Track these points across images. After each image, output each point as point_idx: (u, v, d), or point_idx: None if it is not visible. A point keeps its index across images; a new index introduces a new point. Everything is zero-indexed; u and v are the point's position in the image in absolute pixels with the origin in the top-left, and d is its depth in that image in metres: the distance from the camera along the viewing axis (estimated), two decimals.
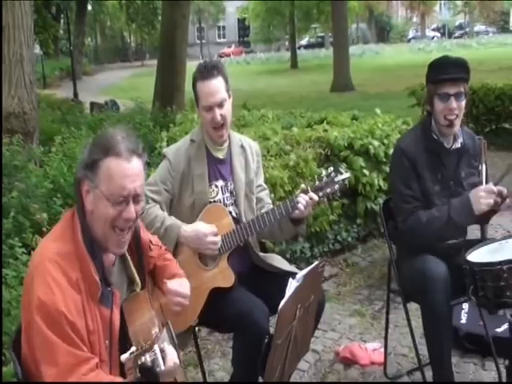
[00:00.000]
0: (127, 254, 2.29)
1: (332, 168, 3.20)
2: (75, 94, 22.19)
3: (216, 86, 3.11)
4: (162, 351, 1.89)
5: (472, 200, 3.11)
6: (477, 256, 2.85)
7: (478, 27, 57.78)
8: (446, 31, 61.56)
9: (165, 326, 2.35)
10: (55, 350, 1.91)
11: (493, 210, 3.18)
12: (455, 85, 3.17)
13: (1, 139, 6.09)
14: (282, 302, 2.18)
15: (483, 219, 3.30)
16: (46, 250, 2.03)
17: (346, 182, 3.20)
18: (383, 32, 62.33)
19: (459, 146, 3.34)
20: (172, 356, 1.97)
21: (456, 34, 59.56)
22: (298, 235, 5.01)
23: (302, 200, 3.02)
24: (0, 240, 3.88)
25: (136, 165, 2.11)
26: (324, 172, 3.18)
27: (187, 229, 3.05)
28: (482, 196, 3.09)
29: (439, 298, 3.00)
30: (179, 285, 2.47)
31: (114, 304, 2.13)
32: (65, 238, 2.07)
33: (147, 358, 1.83)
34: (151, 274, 2.52)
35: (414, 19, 55.48)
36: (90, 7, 41.78)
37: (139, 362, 1.82)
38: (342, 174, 3.17)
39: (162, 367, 1.85)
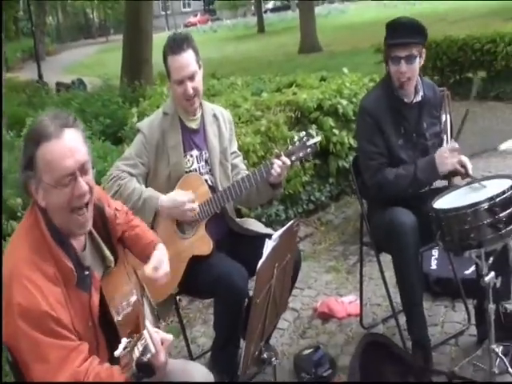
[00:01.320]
0: (95, 233, 2.28)
1: (304, 132, 3.30)
2: (40, 76, 21.80)
3: (186, 59, 3.16)
4: (151, 335, 1.90)
5: (437, 160, 3.25)
6: (442, 203, 2.97)
7: None
8: None
9: (143, 295, 2.43)
10: (44, 348, 1.92)
11: (454, 173, 3.33)
12: (406, 48, 3.25)
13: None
14: (260, 262, 2.26)
15: (445, 177, 3.44)
16: (18, 253, 2.02)
17: (317, 145, 3.29)
18: None
19: (420, 99, 3.44)
20: (162, 336, 1.99)
21: None
22: (273, 199, 5.08)
23: (276, 165, 3.11)
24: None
25: (69, 137, 2.04)
26: (296, 137, 3.27)
27: (165, 198, 3.11)
28: (446, 156, 3.22)
29: (408, 243, 3.14)
30: (153, 268, 2.49)
31: (93, 286, 2.15)
32: (32, 235, 2.05)
33: (139, 348, 1.82)
34: (121, 242, 2.52)
35: None
36: None
37: (134, 357, 1.81)
38: (313, 137, 3.26)
39: (153, 350, 1.84)
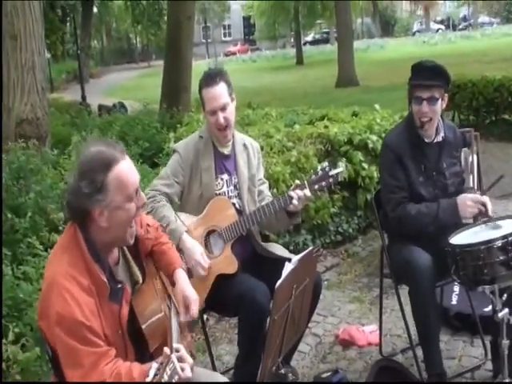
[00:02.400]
0: (126, 250, 2.49)
1: (327, 163, 3.48)
2: (83, 97, 22.38)
3: (219, 91, 3.40)
4: (179, 359, 2.05)
5: (459, 205, 3.40)
6: (459, 239, 3.11)
7: (482, 18, 57.65)
8: (450, 23, 61.56)
9: (170, 308, 2.62)
10: (78, 354, 2.13)
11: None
12: (428, 90, 3.43)
13: (0, 145, 6.36)
14: (279, 282, 2.44)
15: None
16: (58, 266, 2.22)
17: (340, 176, 3.45)
18: (388, 26, 62.31)
19: (440, 139, 3.60)
20: (187, 360, 2.13)
21: (460, 26, 59.48)
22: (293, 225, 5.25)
23: (295, 195, 3.30)
24: (0, 241, 4.12)
25: (129, 159, 2.31)
26: (319, 167, 3.46)
27: (187, 239, 3.30)
28: (469, 204, 3.37)
29: (424, 283, 3.29)
30: (185, 308, 2.63)
31: (124, 300, 2.34)
32: (71, 250, 2.25)
33: (168, 372, 1.93)
34: (150, 256, 2.70)
35: (418, 12, 55.41)
36: (95, 9, 42.04)
37: (163, 380, 1.92)
38: (335, 168, 3.43)
39: (180, 373, 1.98)
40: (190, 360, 2.15)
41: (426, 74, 3.44)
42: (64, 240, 2.33)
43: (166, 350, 2.04)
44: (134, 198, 2.29)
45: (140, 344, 2.41)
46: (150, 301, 2.52)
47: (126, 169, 2.27)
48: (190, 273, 3.14)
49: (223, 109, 3.40)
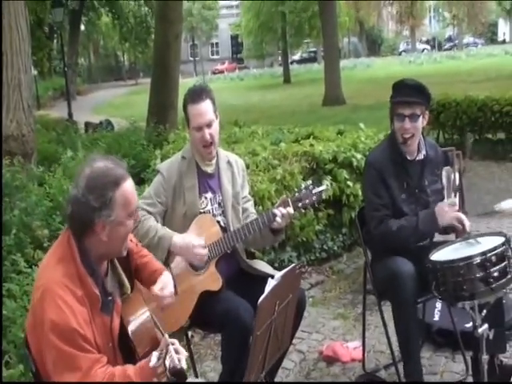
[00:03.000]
0: (116, 261, 2.54)
1: (310, 181, 3.53)
2: (70, 114, 22.42)
3: (205, 108, 3.43)
4: (176, 351, 2.16)
5: (437, 213, 3.47)
6: (440, 256, 3.16)
7: (467, 39, 58.36)
8: (435, 44, 62.29)
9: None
10: (75, 359, 2.17)
11: (453, 229, 3.54)
12: (410, 107, 3.50)
13: (1, 161, 6.37)
14: (261, 298, 2.46)
15: (446, 232, 3.67)
16: (53, 275, 2.25)
17: (324, 193, 3.50)
18: (374, 45, 62.91)
19: (422, 157, 3.67)
20: (182, 353, 2.22)
21: (446, 46, 60.19)
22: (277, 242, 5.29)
23: (279, 213, 3.34)
24: (0, 256, 4.13)
25: (130, 177, 2.40)
26: (303, 184, 3.50)
27: (178, 239, 3.34)
28: (446, 210, 3.45)
29: (407, 292, 3.33)
30: (160, 289, 2.69)
31: (115, 311, 2.39)
32: (65, 261, 2.29)
33: (170, 358, 2.10)
34: (134, 272, 2.74)
35: (405, 32, 55.98)
36: (83, 27, 42.14)
37: (167, 366, 2.09)
38: (319, 186, 3.48)
39: (177, 364, 2.11)
40: (184, 352, 2.22)
41: (408, 92, 3.51)
42: (58, 250, 2.37)
43: (165, 338, 2.18)
44: (133, 215, 2.38)
45: (127, 355, 2.45)
46: (138, 309, 2.56)
47: (131, 187, 2.37)
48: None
49: (209, 125, 3.43)
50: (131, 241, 2.73)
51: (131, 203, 2.35)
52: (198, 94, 3.46)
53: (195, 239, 3.34)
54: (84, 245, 2.33)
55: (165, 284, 2.72)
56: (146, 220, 3.38)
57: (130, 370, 2.22)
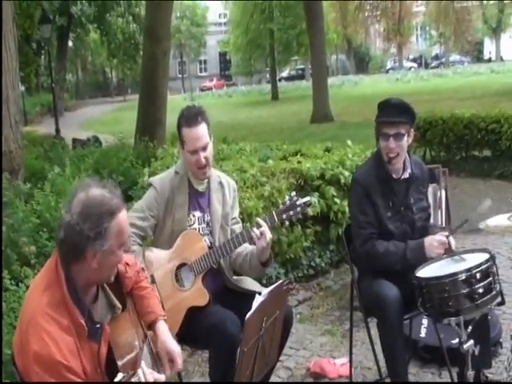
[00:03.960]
0: (105, 285, 2.52)
1: (294, 193, 3.56)
2: (57, 131, 22.32)
3: (201, 132, 3.45)
4: (144, 374, 2.17)
5: (426, 246, 3.49)
6: (425, 272, 3.20)
7: (454, 57, 58.90)
8: (422, 61, 62.81)
9: (145, 342, 2.65)
10: None
11: None
12: (395, 127, 3.54)
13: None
14: (249, 314, 2.49)
15: None
16: (37, 304, 2.24)
17: (308, 203, 3.51)
18: (362, 63, 63.30)
19: (407, 175, 3.70)
20: (155, 376, 2.25)
21: (432, 64, 60.67)
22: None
23: (256, 231, 3.34)
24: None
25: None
26: (287, 197, 3.52)
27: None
28: (435, 246, 3.47)
29: (391, 316, 3.35)
30: (165, 350, 2.70)
31: (103, 338, 2.37)
32: (52, 289, 2.28)
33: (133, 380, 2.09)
34: (130, 295, 2.73)
35: (392, 50, 56.43)
36: (70, 43, 42.18)
37: None
38: (303, 198, 3.51)
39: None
40: (161, 377, 2.25)
41: (392, 111, 3.55)
42: (45, 275, 2.36)
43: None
44: (124, 246, 2.39)
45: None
46: (125, 330, 2.55)
47: (125, 217, 2.37)
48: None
49: (204, 148, 3.45)
50: (128, 264, 2.72)
51: (124, 233, 2.36)
52: (193, 117, 3.46)
53: None
54: (71, 272, 2.31)
55: (170, 353, 2.70)
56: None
57: None
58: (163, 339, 2.71)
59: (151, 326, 2.74)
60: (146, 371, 2.19)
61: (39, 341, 2.17)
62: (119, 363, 2.42)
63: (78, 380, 2.20)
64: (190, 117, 3.47)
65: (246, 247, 3.60)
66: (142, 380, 2.09)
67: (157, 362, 2.73)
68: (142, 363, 2.27)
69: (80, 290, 2.32)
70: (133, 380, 2.07)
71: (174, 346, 2.71)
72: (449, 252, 3.44)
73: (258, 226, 3.35)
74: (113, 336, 2.45)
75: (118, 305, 2.53)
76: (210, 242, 3.54)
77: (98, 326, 2.35)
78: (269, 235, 3.35)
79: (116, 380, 2.08)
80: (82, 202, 2.28)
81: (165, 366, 2.65)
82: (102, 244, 2.27)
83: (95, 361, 2.32)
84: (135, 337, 2.57)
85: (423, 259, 3.48)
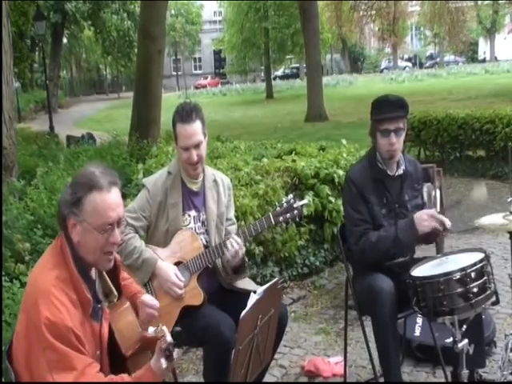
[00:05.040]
0: (104, 272, 2.56)
1: (291, 195, 3.55)
2: (51, 128, 22.27)
3: (194, 129, 3.43)
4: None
5: (416, 221, 3.49)
6: (420, 271, 3.20)
7: (448, 57, 59.07)
8: (417, 61, 62.95)
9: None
10: (70, 358, 2.19)
11: (435, 235, 3.57)
12: (395, 122, 3.54)
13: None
14: (244, 312, 2.48)
15: (427, 240, 3.69)
16: (47, 278, 2.28)
17: (305, 207, 3.53)
18: (357, 62, 63.41)
19: (401, 172, 3.70)
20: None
21: (427, 64, 60.81)
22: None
23: (230, 245, 3.36)
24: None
25: (116, 194, 2.39)
26: (284, 199, 3.53)
27: (162, 265, 3.35)
28: (425, 219, 3.47)
29: (386, 309, 3.35)
30: (150, 299, 2.80)
31: (104, 318, 2.42)
32: (59, 266, 2.32)
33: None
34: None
35: (386, 50, 56.48)
36: (65, 40, 42.07)
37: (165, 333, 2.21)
38: (300, 200, 3.51)
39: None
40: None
41: (391, 107, 3.55)
42: (50, 258, 2.38)
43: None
44: (106, 233, 2.35)
45: (116, 366, 2.47)
46: (125, 315, 2.60)
47: (103, 201, 2.34)
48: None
49: (197, 146, 3.44)
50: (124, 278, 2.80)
51: (99, 216, 2.33)
52: (188, 113, 3.44)
53: (175, 277, 3.34)
54: (75, 250, 2.35)
55: (153, 299, 2.82)
56: (130, 240, 3.39)
57: (127, 378, 2.26)
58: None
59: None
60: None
61: (52, 307, 2.20)
62: (121, 340, 2.50)
63: (85, 350, 2.24)
64: (185, 113, 3.45)
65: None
66: (168, 337, 2.20)
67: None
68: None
69: (86, 268, 2.38)
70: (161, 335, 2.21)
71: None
72: (444, 231, 3.46)
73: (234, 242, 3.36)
74: (113, 323, 2.51)
75: (115, 292, 2.57)
76: (206, 241, 3.53)
77: (100, 305, 2.41)
78: (242, 252, 3.40)
79: (151, 329, 2.25)
80: (76, 173, 2.42)
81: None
82: (78, 213, 2.32)
83: (97, 342, 2.36)
84: (135, 320, 2.63)
85: (415, 234, 3.50)
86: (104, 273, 2.55)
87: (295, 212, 3.45)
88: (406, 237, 3.51)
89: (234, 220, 3.82)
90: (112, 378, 2.29)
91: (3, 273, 4.01)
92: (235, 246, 3.34)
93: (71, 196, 2.33)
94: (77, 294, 2.29)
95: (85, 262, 2.38)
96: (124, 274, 2.86)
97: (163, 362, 2.21)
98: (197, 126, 3.44)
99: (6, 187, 6.19)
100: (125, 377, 2.29)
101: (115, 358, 2.48)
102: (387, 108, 3.56)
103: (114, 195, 2.37)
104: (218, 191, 3.65)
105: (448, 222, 3.49)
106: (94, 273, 2.49)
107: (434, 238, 3.66)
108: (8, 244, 4.61)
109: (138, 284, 2.97)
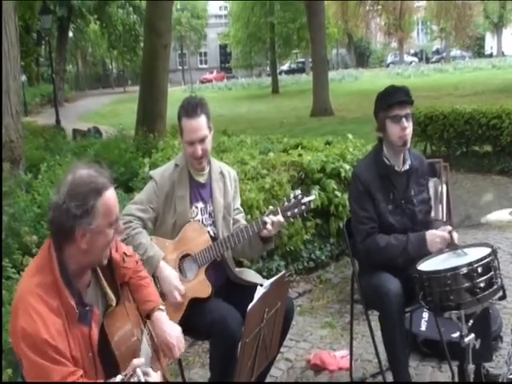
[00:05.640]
0: (99, 273, 2.53)
1: (299, 190, 3.55)
2: (57, 121, 22.33)
3: (199, 124, 3.44)
4: (145, 374, 2.11)
5: (428, 241, 3.48)
6: (427, 266, 3.20)
7: (455, 52, 58.86)
8: (423, 56, 62.75)
9: (143, 332, 2.65)
10: (46, 371, 2.15)
11: None
12: (404, 107, 3.53)
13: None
14: (250, 305, 2.49)
15: None
16: (27, 285, 2.26)
17: (312, 203, 3.53)
18: (363, 57, 63.24)
19: (408, 167, 3.70)
20: (153, 376, 2.19)
21: (433, 59, 60.62)
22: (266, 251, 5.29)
23: (270, 220, 3.36)
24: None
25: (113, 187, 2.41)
26: (292, 194, 3.52)
27: (164, 267, 3.34)
28: (437, 241, 3.46)
29: (392, 309, 3.36)
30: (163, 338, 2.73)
31: (93, 321, 2.38)
32: (43, 272, 2.29)
33: (139, 379, 2.05)
34: (127, 285, 2.74)
35: (392, 44, 56.34)
36: (71, 34, 42.08)
37: None
38: (308, 196, 3.51)
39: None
40: (156, 376, 2.19)
41: (399, 94, 3.55)
42: (38, 259, 2.38)
43: (135, 361, 2.12)
44: (114, 225, 2.37)
45: (111, 368, 2.42)
46: (122, 324, 2.54)
47: (113, 196, 2.36)
48: (162, 296, 3.17)
49: (202, 141, 3.45)
50: (126, 255, 2.75)
51: (112, 213, 2.35)
52: (193, 108, 3.45)
53: (177, 281, 3.34)
54: (64, 255, 2.33)
55: (168, 342, 2.72)
56: (137, 235, 3.38)
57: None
58: (161, 328, 2.72)
59: (149, 315, 2.76)
60: (150, 372, 2.17)
61: (27, 318, 2.17)
62: (117, 353, 2.44)
63: (65, 361, 2.20)
64: (190, 108, 3.46)
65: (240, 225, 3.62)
66: (142, 380, 2.05)
67: (156, 352, 2.74)
68: (141, 360, 2.25)
69: (71, 274, 2.33)
70: (132, 380, 2.04)
71: (171, 337, 2.71)
72: (451, 246, 3.44)
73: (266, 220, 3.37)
74: (110, 329, 2.46)
75: (112, 296, 2.54)
76: (214, 233, 3.54)
77: (88, 308, 2.37)
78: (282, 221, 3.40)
79: (116, 381, 2.07)
80: (70, 183, 2.32)
81: (162, 355, 2.65)
82: (89, 222, 2.28)
83: (87, 345, 2.33)
84: (133, 328, 2.57)
85: (425, 252, 3.48)
86: (101, 276, 2.53)
87: (303, 207, 3.45)
88: (415, 251, 3.49)
89: (241, 209, 3.82)
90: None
91: (10, 265, 4.03)
92: (274, 220, 3.36)
93: (78, 208, 2.27)
94: (60, 300, 2.26)
95: (79, 266, 2.37)
96: (143, 273, 2.83)
97: None
98: (202, 120, 3.45)
99: (14, 180, 6.20)
100: None
101: (109, 359, 2.44)
102: (395, 95, 3.56)
103: (113, 188, 2.39)
104: (225, 183, 3.66)
105: (457, 239, 3.46)
106: (87, 278, 2.47)
107: None
108: (15, 236, 4.63)
109: (151, 285, 2.88)
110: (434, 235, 3.50)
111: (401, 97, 3.54)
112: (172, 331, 2.75)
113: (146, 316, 2.76)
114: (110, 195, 2.34)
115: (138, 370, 2.07)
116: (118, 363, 2.44)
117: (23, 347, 2.16)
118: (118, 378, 2.06)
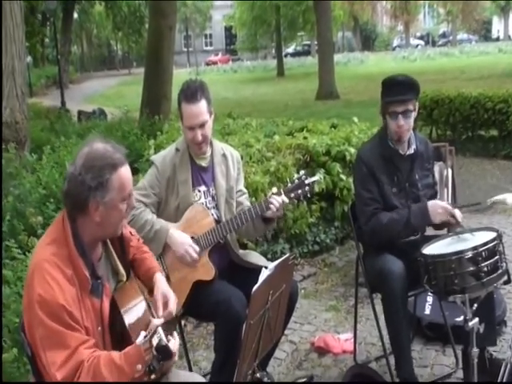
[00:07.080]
0: (111, 248, 2.56)
1: (303, 172, 3.54)
2: (62, 103, 22.29)
3: (199, 109, 3.41)
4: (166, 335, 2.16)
5: (430, 210, 3.49)
6: (431, 249, 3.20)
7: (461, 35, 58.51)
8: (429, 39, 62.43)
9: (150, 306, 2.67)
10: (62, 336, 2.18)
11: (446, 225, 3.58)
12: (403, 104, 3.51)
13: (0, 147, 6.36)
14: (255, 287, 2.49)
15: (437, 227, 3.67)
16: (43, 253, 2.29)
17: (316, 184, 3.52)
18: (368, 40, 62.91)
19: (412, 151, 3.69)
20: (176, 336, 2.25)
21: (439, 43, 60.29)
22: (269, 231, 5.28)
23: (275, 202, 3.35)
24: (0, 241, 4.15)
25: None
26: (296, 175, 3.52)
27: (175, 232, 3.38)
28: (439, 212, 3.47)
29: (396, 290, 3.36)
30: (161, 293, 2.70)
31: (104, 294, 2.41)
32: (58, 242, 2.32)
33: (158, 338, 2.09)
34: (131, 264, 2.76)
35: (399, 27, 56.00)
36: (76, 15, 41.89)
37: (154, 343, 2.07)
38: (311, 176, 3.50)
39: (165, 341, 2.11)
40: (177, 338, 2.24)
41: (400, 89, 3.52)
42: (52, 231, 2.39)
43: (155, 321, 2.24)
44: (128, 199, 2.41)
45: (119, 343, 2.42)
46: (133, 298, 2.56)
47: (127, 172, 2.40)
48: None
49: (201, 126, 3.42)
50: (131, 234, 2.80)
51: (126, 188, 2.38)
52: (193, 93, 3.40)
53: (190, 241, 3.37)
54: (77, 226, 2.36)
55: (165, 296, 2.69)
56: (142, 213, 3.40)
57: (115, 354, 2.21)
58: (161, 285, 2.73)
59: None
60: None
61: (44, 284, 2.20)
62: (128, 323, 2.43)
63: (80, 328, 2.23)
64: (190, 93, 3.41)
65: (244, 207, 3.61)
66: (163, 338, 2.09)
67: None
68: (161, 320, 2.32)
69: (86, 245, 2.37)
70: (155, 336, 2.09)
71: (170, 292, 2.72)
72: (455, 224, 3.44)
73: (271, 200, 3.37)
74: (121, 302, 2.47)
75: (123, 271, 2.57)
76: (217, 216, 3.54)
77: (100, 281, 2.39)
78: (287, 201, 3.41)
79: (141, 336, 2.15)
80: (86, 154, 2.34)
81: (158, 307, 2.63)
82: (103, 195, 2.32)
83: (97, 318, 2.35)
84: (143, 301, 2.59)
85: (427, 222, 3.51)
86: (112, 251, 2.56)
87: (307, 188, 3.44)
88: (417, 222, 3.51)
89: (245, 190, 3.81)
90: (100, 355, 2.20)
91: (16, 245, 4.05)
92: (279, 201, 3.35)
93: (93, 180, 2.30)
94: (73, 270, 2.29)
95: (92, 238, 2.40)
96: (144, 248, 2.87)
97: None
98: (202, 105, 3.41)
99: (19, 161, 6.22)
100: (113, 353, 2.23)
101: (117, 335, 2.45)
102: (396, 90, 3.52)
103: (127, 165, 2.42)
104: (227, 165, 3.64)
105: (460, 217, 3.47)
106: (98, 252, 2.50)
107: (444, 227, 3.64)
108: (21, 217, 4.65)
109: (153, 257, 2.92)
110: (437, 205, 3.50)
111: (401, 93, 3.51)
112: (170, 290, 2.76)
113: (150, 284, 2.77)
114: (125, 171, 2.38)
115: (160, 329, 2.12)
116: (125, 339, 2.43)
117: (40, 314, 2.18)
118: (142, 334, 2.14)
